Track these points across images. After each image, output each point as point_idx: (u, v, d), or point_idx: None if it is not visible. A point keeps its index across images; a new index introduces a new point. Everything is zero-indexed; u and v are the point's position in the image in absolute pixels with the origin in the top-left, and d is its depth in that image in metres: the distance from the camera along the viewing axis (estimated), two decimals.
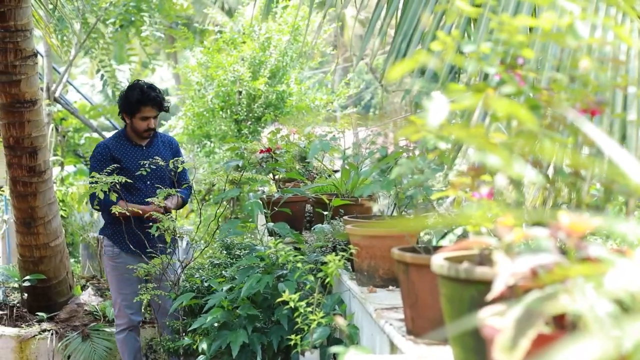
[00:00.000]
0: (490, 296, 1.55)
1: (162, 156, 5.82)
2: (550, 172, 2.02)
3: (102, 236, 6.16)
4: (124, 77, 15.05)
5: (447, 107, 1.43)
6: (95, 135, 14.52)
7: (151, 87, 5.91)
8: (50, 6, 8.34)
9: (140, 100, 5.78)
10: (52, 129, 12.56)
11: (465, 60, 1.80)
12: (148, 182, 5.85)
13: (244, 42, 11.46)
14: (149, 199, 5.55)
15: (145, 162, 5.68)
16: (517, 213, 1.56)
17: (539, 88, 1.91)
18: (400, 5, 4.10)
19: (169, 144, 6.17)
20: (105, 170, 5.45)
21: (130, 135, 5.96)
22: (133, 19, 12.44)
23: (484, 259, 1.99)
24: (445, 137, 1.75)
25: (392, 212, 3.90)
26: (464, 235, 7.35)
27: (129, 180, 5.55)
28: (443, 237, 10.10)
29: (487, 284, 1.78)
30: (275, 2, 11.51)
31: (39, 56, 7.40)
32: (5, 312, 7.08)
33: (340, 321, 2.57)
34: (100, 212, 6.17)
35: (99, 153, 5.90)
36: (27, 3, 6.45)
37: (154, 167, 5.71)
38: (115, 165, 5.58)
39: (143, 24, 12.75)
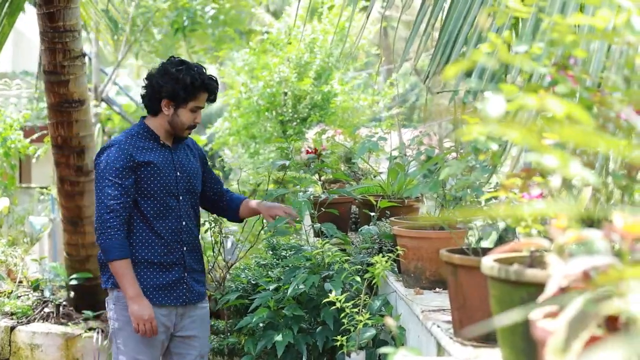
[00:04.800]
0: (541, 298, 1.54)
1: (192, 162, 4.57)
2: (603, 173, 2.01)
3: (110, 286, 4.38)
4: None
5: (503, 104, 1.42)
6: None
7: (203, 67, 4.51)
8: (102, 6, 8.42)
9: (201, 84, 4.34)
10: (99, 129, 12.69)
11: (516, 60, 1.78)
12: (181, 198, 4.43)
13: (289, 43, 11.50)
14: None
15: (180, 171, 4.46)
16: (571, 214, 1.54)
17: (592, 88, 1.89)
18: (446, 6, 4.08)
19: (194, 147, 4.70)
20: (124, 186, 4.25)
21: (159, 132, 4.43)
22: (186, 23, 12.52)
23: (534, 260, 1.98)
24: (497, 138, 1.75)
25: (439, 213, 3.88)
26: (504, 236, 7.30)
27: (167, 197, 4.38)
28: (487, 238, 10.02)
29: (537, 286, 1.77)
30: (321, 3, 11.55)
31: (86, 57, 7.45)
32: (51, 310, 7.15)
33: (390, 322, 2.57)
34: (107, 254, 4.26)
35: (117, 160, 4.27)
36: (75, 4, 6.51)
37: (186, 177, 4.48)
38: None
39: (197, 30, 12.83)
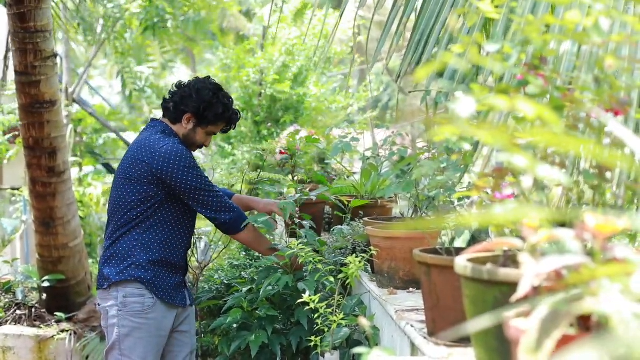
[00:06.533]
0: (514, 297, 1.55)
1: None
2: (574, 173, 2.02)
3: (121, 293, 4.26)
4: (143, 78, 15.10)
5: (473, 105, 1.42)
6: (112, 135, 14.58)
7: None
8: (72, 6, 8.38)
9: (229, 115, 4.52)
10: (71, 130, 12.62)
11: (487, 61, 1.79)
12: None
13: (272, 44, 11.53)
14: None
15: None
16: (542, 214, 1.55)
17: (563, 88, 1.90)
18: (418, 5, 4.09)
19: None
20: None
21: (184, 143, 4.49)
22: (156, 20, 12.46)
23: (508, 260, 1.99)
24: (468, 138, 1.75)
25: (412, 213, 3.89)
26: (476, 236, 7.32)
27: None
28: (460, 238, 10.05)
29: (510, 285, 1.78)
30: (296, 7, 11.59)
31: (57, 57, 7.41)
32: (24, 312, 7.11)
33: (363, 322, 2.57)
34: (253, 241, 4.57)
35: (192, 158, 4.39)
36: (47, 4, 6.47)
37: None
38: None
39: (167, 32, 12.77)
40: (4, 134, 9.54)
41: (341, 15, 4.51)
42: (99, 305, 4.41)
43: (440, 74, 3.72)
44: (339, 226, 4.66)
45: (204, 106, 4.39)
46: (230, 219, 4.38)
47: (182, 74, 24.79)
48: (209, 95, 4.41)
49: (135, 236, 4.29)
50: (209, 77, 4.63)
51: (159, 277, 4.29)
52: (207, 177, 4.34)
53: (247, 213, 4.82)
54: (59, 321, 7.02)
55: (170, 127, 4.47)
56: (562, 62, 3.02)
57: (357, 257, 3.81)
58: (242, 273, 4.99)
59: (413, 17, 4.14)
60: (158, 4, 12.30)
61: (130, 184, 4.30)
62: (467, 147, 1.80)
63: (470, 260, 2.03)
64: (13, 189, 10.99)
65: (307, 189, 4.92)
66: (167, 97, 4.54)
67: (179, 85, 4.54)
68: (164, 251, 4.32)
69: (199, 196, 4.29)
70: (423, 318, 2.91)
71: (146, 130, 4.50)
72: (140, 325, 4.25)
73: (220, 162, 11.27)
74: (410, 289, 3.67)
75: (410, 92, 4.73)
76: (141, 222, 4.29)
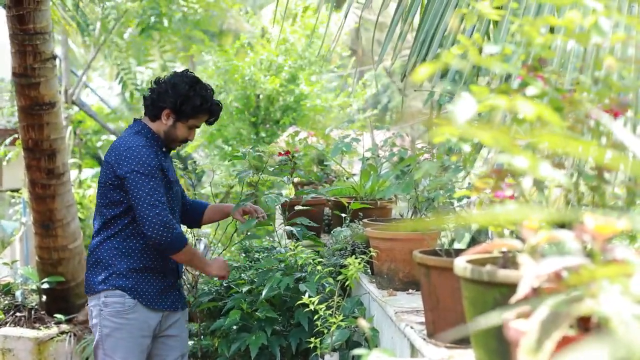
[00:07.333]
0: (514, 298, 1.55)
1: (173, 168, 4.55)
2: (574, 174, 2.02)
3: (102, 294, 4.24)
4: (142, 79, 15.08)
5: (474, 106, 1.42)
6: (112, 137, 14.58)
7: (212, 90, 4.51)
8: (69, 9, 8.38)
9: (208, 106, 4.37)
10: (70, 132, 12.62)
11: (488, 62, 1.79)
12: (174, 203, 4.45)
13: (266, 42, 11.53)
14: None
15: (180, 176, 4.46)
16: (542, 215, 1.55)
17: (562, 90, 1.90)
18: (419, 9, 4.09)
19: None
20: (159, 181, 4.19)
21: (160, 139, 4.39)
22: (154, 20, 12.44)
23: (507, 261, 1.99)
24: (468, 139, 1.75)
25: (412, 215, 3.89)
26: (477, 237, 7.32)
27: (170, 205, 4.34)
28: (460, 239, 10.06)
29: (510, 287, 1.77)
30: (294, 5, 11.57)
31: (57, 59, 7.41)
32: (23, 314, 7.11)
33: (363, 323, 2.57)
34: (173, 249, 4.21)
35: (151, 159, 4.18)
36: (46, 6, 6.47)
37: (176, 183, 4.48)
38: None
39: (164, 30, 12.77)
40: None
41: (345, 16, 4.51)
42: (87, 305, 4.40)
43: (444, 75, 3.72)
44: (339, 228, 4.66)
45: (180, 100, 4.29)
46: (164, 239, 4.13)
47: None
48: (185, 88, 4.30)
49: (115, 244, 4.23)
50: (186, 70, 4.51)
51: (142, 284, 4.24)
52: (157, 191, 4.14)
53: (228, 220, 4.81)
54: (58, 323, 7.02)
55: (149, 125, 4.37)
56: (560, 63, 3.02)
57: (356, 258, 3.81)
58: (242, 274, 4.98)
59: (416, 18, 4.15)
60: (154, 4, 12.28)
61: (100, 189, 4.28)
62: (466, 148, 1.80)
63: (469, 261, 2.03)
64: (12, 190, 11.01)
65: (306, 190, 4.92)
66: (146, 94, 4.46)
67: (157, 81, 4.43)
68: (146, 258, 4.25)
69: (137, 205, 4.13)
70: (423, 319, 2.91)
71: (124, 131, 4.43)
72: (120, 326, 4.20)
73: (220, 164, 11.28)
74: (410, 291, 3.67)
75: (415, 90, 4.73)
76: (121, 230, 4.23)
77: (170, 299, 4.38)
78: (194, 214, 4.79)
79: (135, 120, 4.46)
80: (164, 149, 4.38)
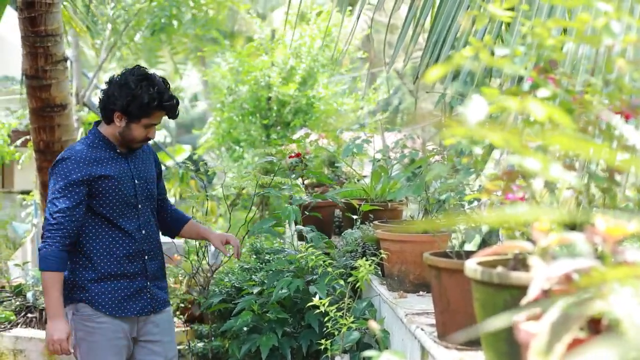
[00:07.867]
0: (524, 300, 1.55)
1: (149, 169, 4.37)
2: (585, 175, 2.02)
3: (69, 307, 4.14)
4: None
5: (485, 108, 1.42)
6: None
7: (167, 83, 4.24)
8: (80, 12, 8.40)
9: (159, 103, 4.09)
10: (82, 134, 12.65)
11: (499, 63, 1.79)
12: (139, 206, 4.24)
13: (276, 46, 11.54)
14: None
15: (137, 178, 4.24)
16: (553, 217, 1.55)
17: (573, 91, 1.90)
18: (431, 11, 4.09)
19: (149, 152, 4.46)
20: (75, 200, 4.02)
21: (114, 140, 4.19)
22: (164, 22, 12.46)
23: (518, 263, 1.98)
24: (479, 141, 1.75)
25: (422, 216, 3.89)
26: (487, 239, 7.31)
27: (125, 208, 4.19)
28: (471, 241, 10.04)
29: (521, 289, 1.77)
30: (309, 8, 11.58)
31: (68, 61, 7.41)
32: (35, 315, 7.12)
33: (373, 325, 2.57)
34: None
35: (72, 172, 4.05)
36: (57, 8, 6.48)
37: (144, 184, 4.28)
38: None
39: (174, 31, 12.78)
40: (9, 136, 9.56)
41: (358, 18, 4.51)
42: None
43: (455, 77, 3.72)
44: (349, 229, 4.66)
45: (127, 101, 4.03)
46: (38, 250, 4.05)
47: (193, 76, 24.85)
48: (131, 88, 4.03)
49: (73, 258, 4.12)
50: (137, 66, 4.24)
51: (104, 293, 4.11)
52: (58, 207, 4.00)
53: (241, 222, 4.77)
54: None
55: (103, 129, 4.19)
56: (571, 65, 3.01)
57: (367, 260, 3.81)
58: (253, 276, 4.99)
59: (432, 15, 4.15)
60: (165, 6, 12.29)
61: None
62: (478, 150, 1.79)
63: (480, 263, 2.03)
64: (24, 192, 11.03)
65: (318, 191, 4.92)
66: (100, 97, 4.22)
67: (108, 81, 4.19)
68: (104, 265, 4.12)
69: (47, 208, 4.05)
70: (433, 321, 2.91)
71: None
72: (93, 330, 4.11)
73: (232, 165, 11.28)
74: (421, 292, 3.66)
75: (427, 92, 4.73)
76: (73, 242, 4.09)
77: (141, 303, 4.21)
78: (174, 225, 4.62)
79: (96, 122, 4.30)
80: (118, 150, 4.19)
